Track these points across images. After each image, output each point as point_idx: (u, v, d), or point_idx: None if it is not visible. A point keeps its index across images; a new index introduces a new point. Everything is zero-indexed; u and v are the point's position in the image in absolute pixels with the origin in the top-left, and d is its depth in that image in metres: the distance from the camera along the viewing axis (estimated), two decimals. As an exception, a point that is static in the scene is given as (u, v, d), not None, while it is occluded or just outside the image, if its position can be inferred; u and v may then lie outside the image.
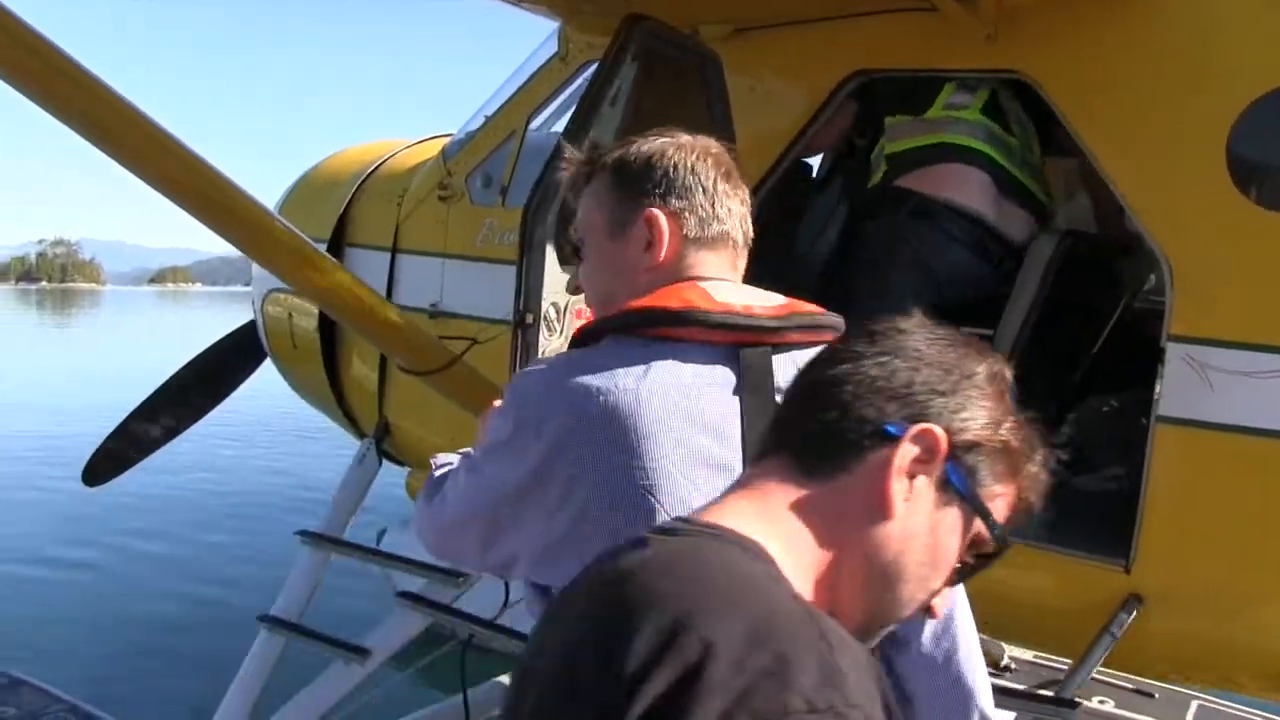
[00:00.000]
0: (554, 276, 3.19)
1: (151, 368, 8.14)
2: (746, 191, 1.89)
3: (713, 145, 1.88)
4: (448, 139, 5.91)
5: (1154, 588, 3.79)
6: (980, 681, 1.84)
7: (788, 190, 4.67)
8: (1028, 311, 4.38)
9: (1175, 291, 3.73)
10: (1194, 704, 5.61)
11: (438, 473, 2.00)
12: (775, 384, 1.69)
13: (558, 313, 3.21)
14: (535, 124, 5.12)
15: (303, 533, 5.44)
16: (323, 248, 5.74)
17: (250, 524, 11.80)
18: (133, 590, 9.54)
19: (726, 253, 1.84)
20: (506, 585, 5.35)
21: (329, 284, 3.67)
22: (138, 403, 7.04)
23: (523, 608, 5.20)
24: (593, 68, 4.84)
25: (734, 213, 1.84)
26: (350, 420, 6.11)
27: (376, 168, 5.96)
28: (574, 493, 1.64)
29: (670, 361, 1.66)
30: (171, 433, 7.11)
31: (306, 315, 6.02)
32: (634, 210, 1.81)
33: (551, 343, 3.17)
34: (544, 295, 3.12)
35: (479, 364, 4.28)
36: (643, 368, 1.65)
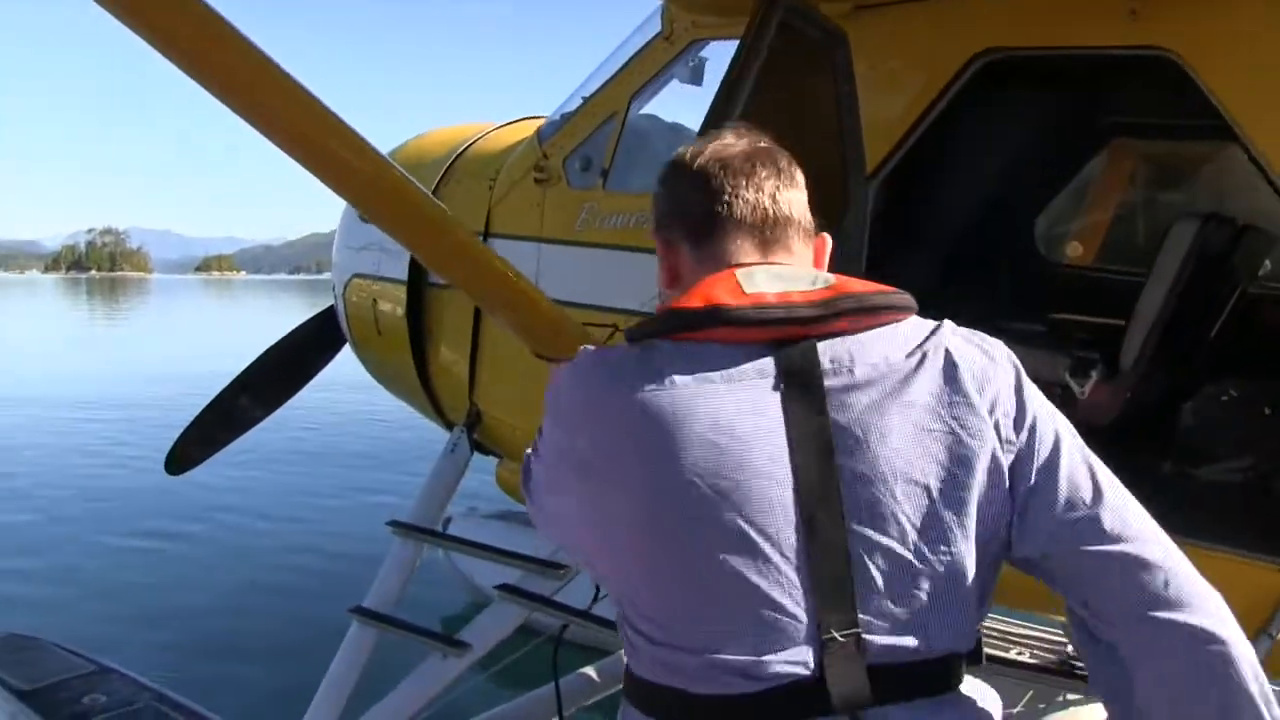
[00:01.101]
0: None
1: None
2: (776, 174, 1.76)
3: (727, 142, 1.79)
4: (539, 120, 5.79)
5: None
6: None
7: (910, 174, 4.51)
8: (1165, 298, 4.21)
9: None
10: None
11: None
12: (823, 380, 1.57)
13: None
14: (637, 105, 4.96)
15: (393, 523, 5.33)
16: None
17: (329, 515, 11.64)
18: (211, 579, 9.47)
19: (750, 236, 1.73)
20: (597, 585, 5.33)
21: (473, 264, 3.54)
22: (210, 391, 6.98)
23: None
24: (698, 47, 4.74)
25: (756, 210, 1.73)
26: (436, 409, 5.99)
27: (465, 149, 5.83)
28: (607, 500, 1.59)
29: (696, 368, 1.57)
30: (250, 422, 7.04)
31: (392, 301, 5.92)
32: (660, 239, 1.86)
33: None
34: None
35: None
36: (667, 376, 1.57)
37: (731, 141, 1.77)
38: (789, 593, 1.49)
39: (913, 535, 1.52)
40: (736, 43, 4.63)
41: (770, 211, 1.72)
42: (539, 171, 5.18)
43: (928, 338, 1.63)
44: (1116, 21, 3.82)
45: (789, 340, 1.58)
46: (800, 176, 1.79)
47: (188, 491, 10.05)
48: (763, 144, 1.78)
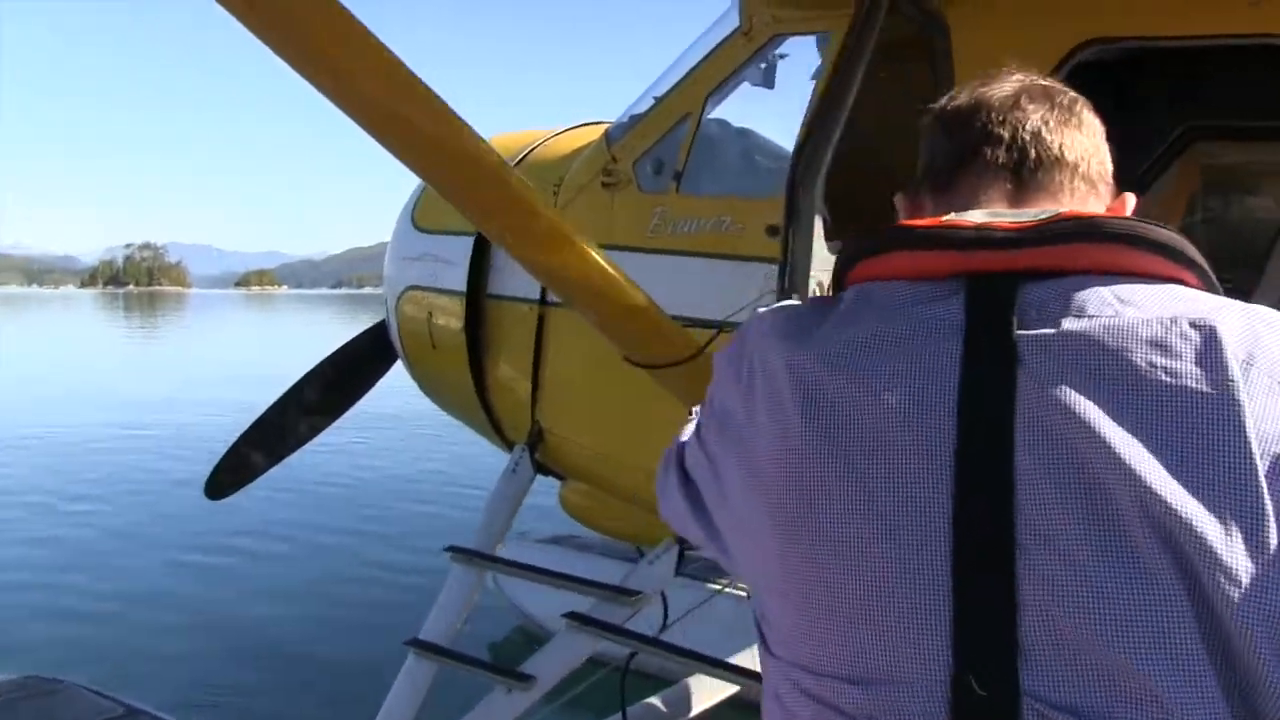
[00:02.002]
0: (822, 252, 2.79)
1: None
2: (1050, 109, 1.36)
3: (995, 82, 1.42)
4: (601, 126, 5.54)
5: None
6: None
7: None
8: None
9: None
10: None
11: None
12: (1019, 333, 1.13)
13: (823, 291, 2.81)
14: (713, 105, 4.69)
15: (453, 549, 5.08)
16: (468, 243, 5.44)
17: (384, 539, 11.19)
18: (255, 608, 9.00)
19: (1002, 182, 1.33)
20: (665, 604, 5.07)
21: (567, 254, 3.29)
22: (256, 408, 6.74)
23: (683, 628, 4.80)
24: (779, 42, 4.47)
25: (1004, 136, 1.34)
26: (495, 427, 5.73)
27: (525, 155, 5.59)
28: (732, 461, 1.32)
29: (869, 314, 1.22)
30: (298, 442, 6.79)
31: (449, 314, 5.66)
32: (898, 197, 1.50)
33: None
34: (811, 273, 2.72)
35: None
36: (826, 324, 1.25)
37: (1001, 81, 1.41)
38: (919, 634, 1.10)
39: (1115, 582, 1.06)
40: (815, 38, 4.43)
41: (1033, 151, 1.33)
42: (607, 175, 4.93)
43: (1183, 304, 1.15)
44: (1236, 9, 3.57)
45: (980, 273, 1.19)
46: (1091, 119, 1.40)
47: (229, 512, 9.76)
48: (1041, 81, 1.41)
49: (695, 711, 5.65)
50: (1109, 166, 1.38)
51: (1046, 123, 1.34)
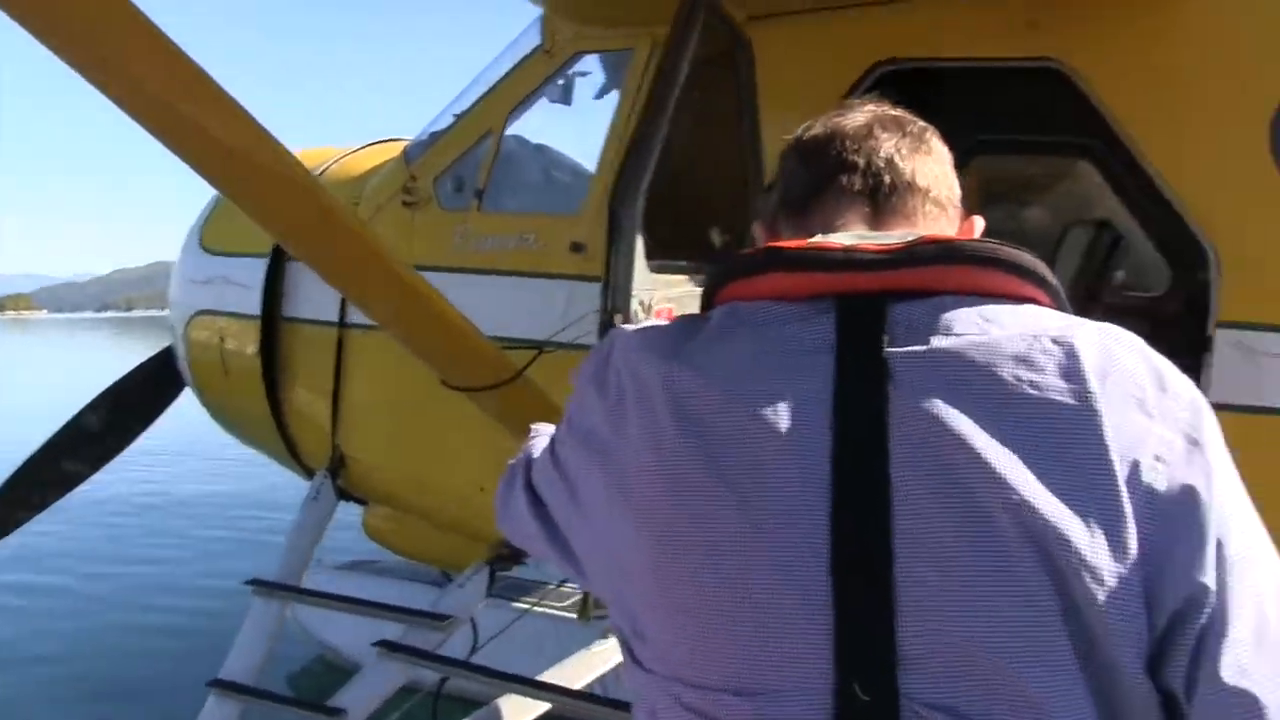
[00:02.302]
0: (642, 271, 2.81)
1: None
2: (901, 137, 1.40)
3: (847, 113, 1.43)
4: (396, 142, 5.47)
5: None
6: None
7: None
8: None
9: (1223, 278, 3.72)
10: None
11: None
12: (890, 350, 1.16)
13: (644, 311, 2.82)
14: (514, 122, 4.70)
15: (255, 582, 4.86)
16: (261, 265, 5.26)
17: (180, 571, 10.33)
18: (36, 660, 8.07)
19: (859, 206, 1.36)
20: (475, 627, 5.01)
21: (390, 284, 3.19)
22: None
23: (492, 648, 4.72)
24: (580, 60, 4.53)
25: (859, 164, 1.37)
26: (293, 454, 5.54)
27: (320, 174, 5.43)
28: (619, 496, 1.26)
29: (741, 334, 1.23)
30: (75, 479, 6.37)
31: (242, 339, 5.45)
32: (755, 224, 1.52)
33: None
34: (633, 292, 2.73)
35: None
36: (707, 344, 1.24)
37: (854, 111, 1.43)
38: (801, 644, 1.11)
39: (984, 591, 1.09)
40: (617, 54, 4.50)
41: (887, 177, 1.36)
42: (407, 194, 4.86)
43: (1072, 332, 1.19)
44: (1016, 33, 3.84)
45: (841, 294, 1.21)
46: (940, 147, 1.44)
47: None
48: (893, 111, 1.44)
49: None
50: (957, 190, 1.43)
51: (899, 150, 1.38)
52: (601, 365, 1.34)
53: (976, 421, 1.11)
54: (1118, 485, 1.09)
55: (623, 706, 5.16)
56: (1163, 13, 3.82)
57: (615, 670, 5.34)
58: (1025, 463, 1.09)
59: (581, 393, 1.37)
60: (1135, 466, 1.11)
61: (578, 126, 4.88)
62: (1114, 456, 1.10)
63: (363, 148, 5.73)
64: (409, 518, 5.24)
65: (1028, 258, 1.23)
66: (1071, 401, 1.12)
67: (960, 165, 4.39)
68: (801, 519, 1.12)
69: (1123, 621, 1.07)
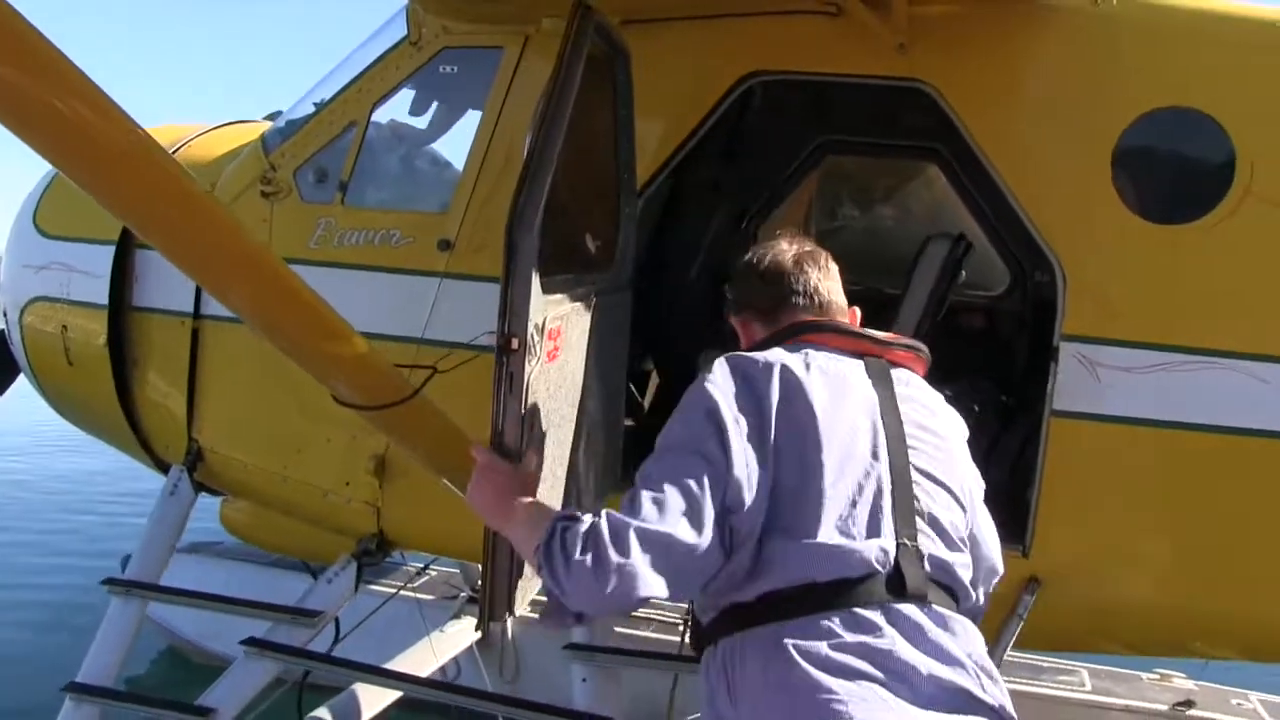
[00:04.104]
0: (539, 295, 2.85)
1: None
2: (830, 272, 2.55)
3: (799, 249, 2.55)
4: (251, 125, 5.33)
5: (1050, 569, 4.06)
6: None
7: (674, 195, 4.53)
8: (922, 313, 4.50)
9: (1068, 294, 4.00)
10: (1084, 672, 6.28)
11: (564, 515, 2.15)
12: (893, 386, 2.33)
13: (539, 333, 2.86)
14: (380, 114, 4.66)
15: (111, 581, 4.76)
16: (108, 252, 5.08)
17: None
18: None
19: (805, 313, 2.47)
20: (337, 624, 5.02)
21: (281, 299, 3.08)
22: None
23: (344, 647, 4.73)
24: (449, 55, 4.52)
25: (818, 298, 2.48)
26: (145, 447, 5.37)
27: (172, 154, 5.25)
28: (767, 440, 2.13)
29: (820, 353, 2.30)
30: None
31: (88, 329, 5.23)
32: (734, 317, 2.62)
33: (533, 368, 2.84)
34: (530, 316, 2.77)
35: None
36: (800, 354, 2.28)
37: (785, 248, 2.54)
38: (878, 502, 2.13)
39: (951, 496, 2.26)
40: (486, 52, 4.51)
41: (817, 299, 2.49)
42: (265, 184, 4.75)
43: (936, 394, 2.46)
44: (885, 53, 4.02)
45: (867, 354, 2.37)
46: (835, 268, 2.57)
47: None
48: (808, 247, 2.55)
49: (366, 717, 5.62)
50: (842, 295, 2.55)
51: (821, 280, 2.51)
52: (749, 379, 2.19)
53: (935, 418, 2.37)
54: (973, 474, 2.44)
55: (466, 692, 5.30)
56: (1021, 41, 4.08)
57: (460, 655, 5.45)
58: (954, 433, 2.41)
59: (721, 406, 2.13)
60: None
61: (445, 122, 4.87)
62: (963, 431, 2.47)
63: (217, 128, 5.55)
64: (268, 511, 5.17)
65: (924, 347, 2.51)
66: (960, 422, 2.48)
67: (810, 166, 4.61)
68: (873, 455, 2.19)
69: (984, 518, 2.47)
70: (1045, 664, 6.53)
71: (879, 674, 1.97)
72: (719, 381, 2.17)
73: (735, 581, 2.09)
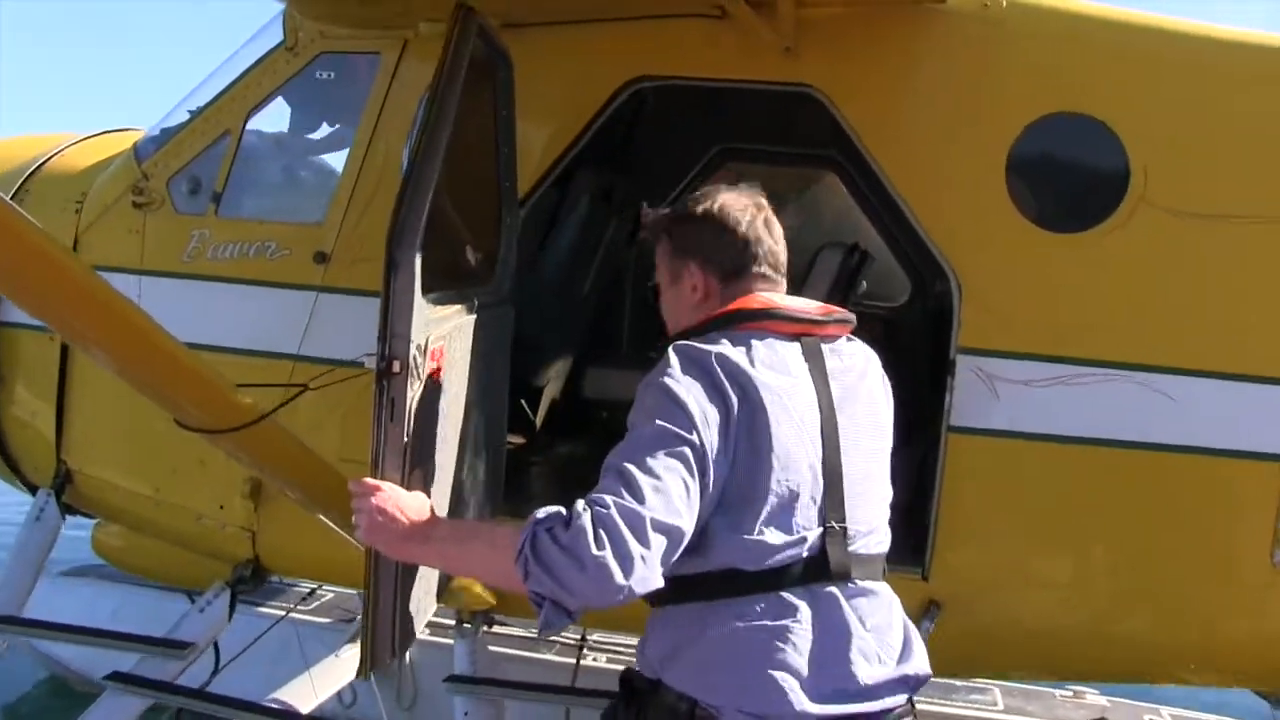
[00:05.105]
0: (422, 315, 2.68)
1: None
2: (780, 230, 2.48)
3: (748, 199, 2.47)
4: (131, 134, 5.10)
5: (949, 592, 3.95)
6: None
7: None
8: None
9: (964, 306, 3.90)
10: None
11: (543, 514, 2.01)
12: (825, 364, 2.34)
13: (421, 354, 2.69)
14: (255, 122, 4.46)
15: (-32, 612, 4.49)
16: (-27, 263, 4.82)
17: None
18: None
19: (766, 282, 2.43)
20: (217, 651, 4.79)
21: (109, 323, 2.84)
22: None
23: (235, 670, 4.53)
24: (326, 60, 4.37)
25: (767, 253, 2.44)
26: (13, 469, 5.11)
27: (41, 165, 5.02)
28: (730, 436, 2.14)
29: (762, 343, 2.27)
30: None
31: (-52, 344, 4.97)
32: (682, 265, 2.45)
33: (415, 391, 2.68)
34: (411, 337, 2.60)
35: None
36: (744, 346, 2.24)
37: (746, 203, 2.46)
38: (813, 494, 2.21)
39: (872, 468, 2.34)
40: (363, 57, 4.34)
41: (777, 266, 2.46)
42: (138, 194, 4.55)
43: (864, 347, 2.50)
44: (771, 57, 3.90)
45: (803, 335, 2.35)
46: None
47: None
48: (762, 202, 2.49)
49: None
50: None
51: (778, 242, 2.47)
52: (711, 375, 2.17)
53: (859, 394, 2.38)
54: (890, 406, 2.49)
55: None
56: (912, 46, 3.98)
57: (353, 684, 5.25)
58: (884, 405, 2.45)
59: (691, 400, 2.11)
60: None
61: (321, 130, 4.69)
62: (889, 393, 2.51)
63: (92, 136, 5.32)
64: (141, 535, 4.93)
65: (853, 315, 2.49)
66: (884, 380, 2.50)
67: (707, 173, 4.49)
68: (813, 433, 2.24)
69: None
70: (958, 684, 6.43)
71: (792, 650, 2.13)
72: (681, 374, 2.15)
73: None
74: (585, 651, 5.51)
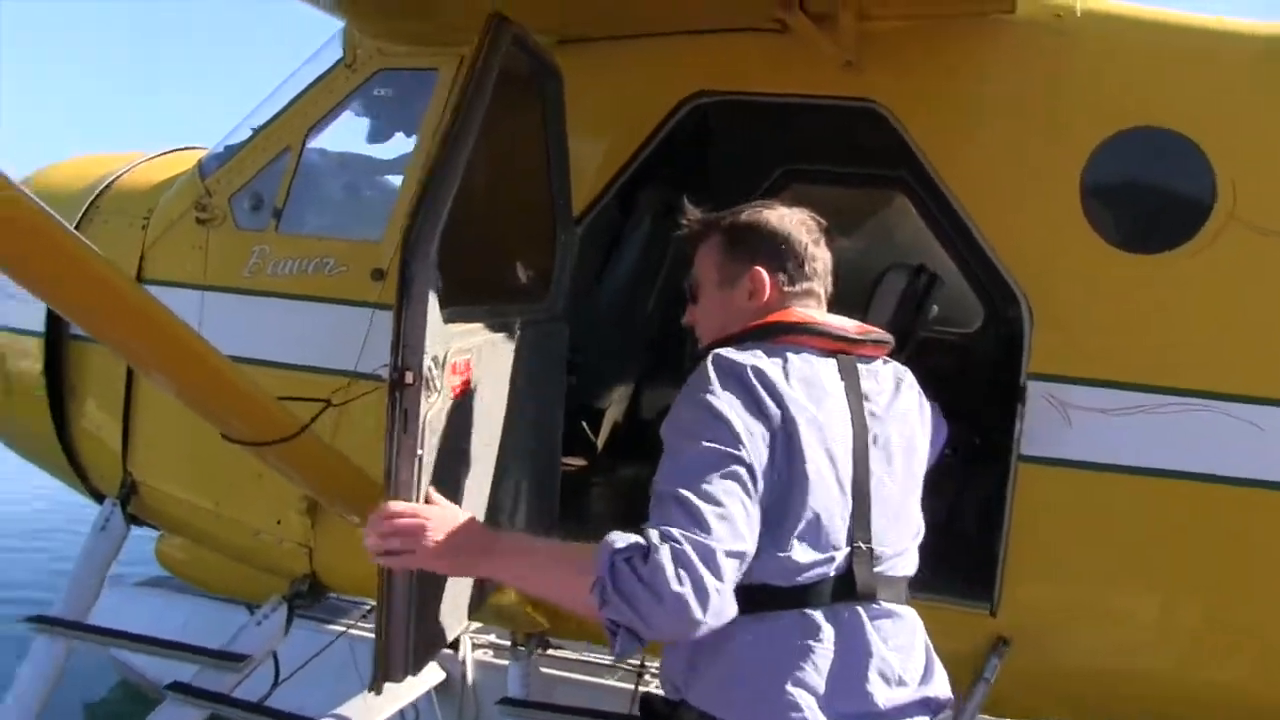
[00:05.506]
0: (436, 326, 2.65)
1: None
2: (829, 252, 2.47)
3: (806, 215, 2.46)
4: (198, 152, 5.16)
5: (1019, 628, 3.76)
6: None
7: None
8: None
9: (1035, 330, 3.72)
10: None
11: (621, 544, 2.01)
12: (860, 382, 2.33)
13: (438, 367, 2.65)
14: (315, 139, 4.46)
15: (37, 619, 4.57)
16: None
17: None
18: None
19: (813, 298, 2.44)
20: (276, 666, 4.80)
21: (141, 324, 2.89)
22: None
23: (295, 685, 4.54)
24: (384, 77, 4.36)
25: (819, 271, 2.44)
26: (82, 478, 5.21)
27: (111, 183, 5.10)
28: (772, 451, 2.13)
29: (798, 357, 2.27)
30: None
31: (25, 357, 5.10)
32: (742, 267, 2.41)
33: (432, 404, 2.64)
34: (426, 349, 2.57)
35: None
36: (780, 359, 2.23)
37: (802, 218, 2.47)
38: (843, 513, 2.20)
39: (903, 491, 2.33)
40: (421, 74, 4.32)
41: (826, 281, 2.47)
42: (201, 210, 4.59)
43: (898, 367, 2.51)
44: (832, 71, 3.78)
45: (839, 352, 2.34)
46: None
47: None
48: (817, 220, 2.49)
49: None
50: None
51: (829, 258, 2.48)
52: (745, 393, 2.15)
53: (893, 415, 2.38)
54: (927, 428, 2.55)
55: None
56: (979, 58, 3.82)
57: (416, 703, 5.22)
58: (918, 424, 2.47)
59: (734, 416, 2.11)
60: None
61: (381, 147, 4.68)
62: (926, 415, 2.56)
63: (161, 155, 5.40)
64: (203, 548, 4.97)
65: (891, 337, 2.49)
66: (921, 399, 2.53)
67: (772, 195, 4.36)
68: (846, 453, 2.24)
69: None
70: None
71: (812, 668, 2.13)
72: (720, 389, 2.15)
73: None
74: (646, 678, 5.42)
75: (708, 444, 2.06)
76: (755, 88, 4.04)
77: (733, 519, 2.00)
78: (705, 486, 2.01)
